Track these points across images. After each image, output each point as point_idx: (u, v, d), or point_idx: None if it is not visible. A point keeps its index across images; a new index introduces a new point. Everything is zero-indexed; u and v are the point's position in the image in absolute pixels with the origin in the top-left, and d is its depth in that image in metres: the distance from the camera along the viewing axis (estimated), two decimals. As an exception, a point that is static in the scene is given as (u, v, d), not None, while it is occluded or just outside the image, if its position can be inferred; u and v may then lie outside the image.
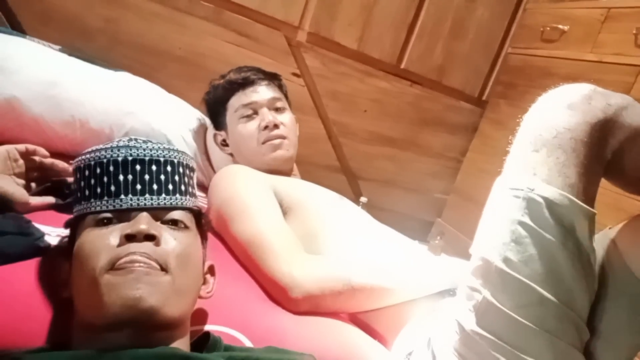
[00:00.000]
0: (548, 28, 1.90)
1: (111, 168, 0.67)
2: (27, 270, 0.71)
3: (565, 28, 1.83)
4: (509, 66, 2.11)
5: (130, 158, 0.68)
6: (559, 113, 0.75)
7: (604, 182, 0.78)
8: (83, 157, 0.70)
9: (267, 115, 1.27)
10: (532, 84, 1.95)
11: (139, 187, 0.67)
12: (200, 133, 1.47)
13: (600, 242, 0.80)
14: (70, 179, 0.87)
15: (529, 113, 0.80)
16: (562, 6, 1.96)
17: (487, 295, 0.72)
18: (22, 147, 0.80)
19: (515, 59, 2.08)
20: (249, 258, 0.97)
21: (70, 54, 1.39)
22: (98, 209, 0.66)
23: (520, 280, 0.70)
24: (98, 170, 0.68)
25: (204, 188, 1.33)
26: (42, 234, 0.77)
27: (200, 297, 0.71)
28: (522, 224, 0.72)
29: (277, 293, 0.90)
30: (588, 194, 0.74)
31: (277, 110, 1.31)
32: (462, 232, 2.09)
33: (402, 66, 2.03)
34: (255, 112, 1.28)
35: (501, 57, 2.17)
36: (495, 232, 0.75)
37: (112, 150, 0.68)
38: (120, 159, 0.68)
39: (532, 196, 0.72)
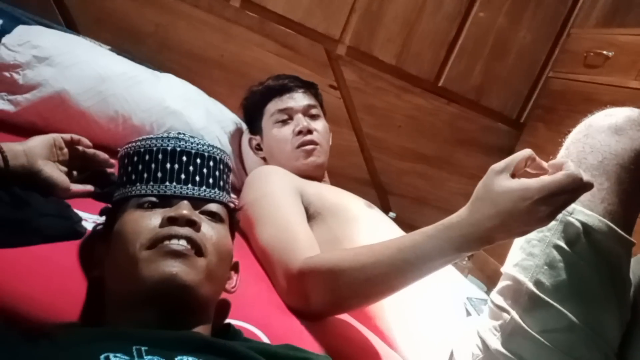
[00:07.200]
0: (592, 53, 1.87)
1: (160, 156, 0.72)
2: (64, 250, 0.75)
3: (610, 54, 1.79)
4: (550, 90, 2.08)
5: (178, 149, 0.72)
6: (605, 137, 0.73)
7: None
8: (133, 144, 0.74)
9: (302, 121, 1.31)
10: (572, 109, 1.91)
11: (183, 176, 0.71)
12: (235, 137, 1.51)
13: (633, 269, 0.77)
14: (110, 170, 0.91)
15: (574, 134, 0.78)
16: (608, 32, 1.93)
17: (515, 316, 0.71)
18: (67, 136, 0.83)
19: (557, 83, 2.05)
20: (264, 262, 1.00)
21: (119, 54, 1.45)
22: (143, 192, 0.70)
23: (550, 305, 0.69)
24: (147, 157, 0.72)
25: (235, 190, 1.36)
26: (80, 218, 0.81)
27: (225, 290, 0.74)
28: (557, 247, 0.70)
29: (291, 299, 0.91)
30: (628, 223, 0.72)
31: (312, 117, 1.35)
32: (490, 254, 2.05)
33: (440, 84, 2.03)
34: (291, 118, 1.32)
35: (542, 80, 2.14)
36: (529, 253, 0.73)
37: (162, 140, 0.73)
38: (169, 148, 0.72)
39: (570, 220, 0.70)
